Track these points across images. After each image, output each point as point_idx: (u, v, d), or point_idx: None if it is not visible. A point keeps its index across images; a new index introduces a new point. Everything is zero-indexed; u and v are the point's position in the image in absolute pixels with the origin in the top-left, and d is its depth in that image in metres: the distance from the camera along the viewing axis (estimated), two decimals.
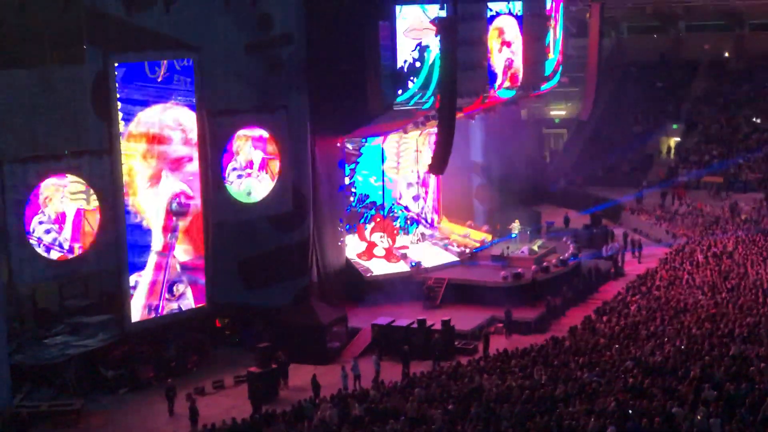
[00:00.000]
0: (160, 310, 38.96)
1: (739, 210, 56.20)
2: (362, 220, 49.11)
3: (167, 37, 39.42)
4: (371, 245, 48.09)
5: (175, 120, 38.80)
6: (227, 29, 41.16)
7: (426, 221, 52.77)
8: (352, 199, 49.35)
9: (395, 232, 48.96)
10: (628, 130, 72.50)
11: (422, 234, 51.65)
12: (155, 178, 38.46)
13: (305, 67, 43.24)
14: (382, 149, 50.51)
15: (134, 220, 37.97)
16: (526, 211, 55.97)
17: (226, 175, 40.93)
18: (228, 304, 41.81)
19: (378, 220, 49.05)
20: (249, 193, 41.66)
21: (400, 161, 51.64)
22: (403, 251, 48.82)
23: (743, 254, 45.59)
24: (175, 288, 39.30)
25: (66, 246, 36.61)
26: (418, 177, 52.56)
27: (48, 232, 36.22)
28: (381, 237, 48.30)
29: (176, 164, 39.06)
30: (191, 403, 34.06)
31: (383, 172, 50.85)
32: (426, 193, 53.14)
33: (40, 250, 35.86)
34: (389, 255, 48.08)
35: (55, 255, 36.36)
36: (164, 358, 39.16)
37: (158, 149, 38.46)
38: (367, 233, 48.30)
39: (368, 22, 43.29)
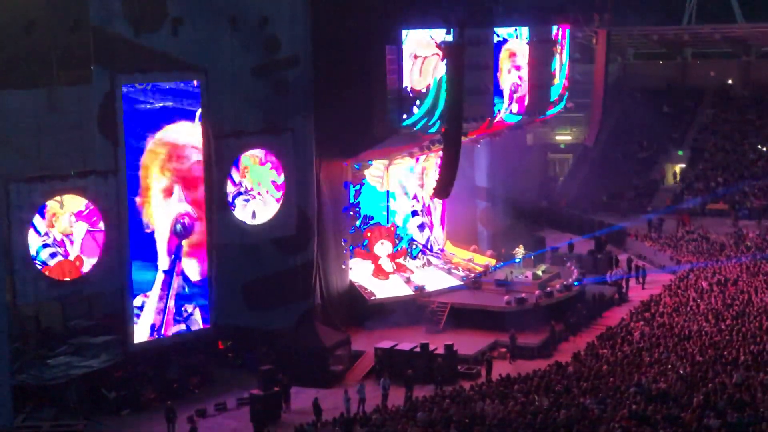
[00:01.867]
0: (163, 332, 38.93)
1: (744, 237, 56.12)
2: (362, 245, 48.99)
3: (174, 58, 39.59)
4: (375, 259, 48.04)
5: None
6: (234, 51, 41.30)
7: (431, 251, 52.48)
8: (356, 219, 49.31)
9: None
10: (634, 156, 72.57)
11: (428, 260, 51.60)
12: (168, 192, 38.65)
13: (311, 90, 43.35)
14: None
15: (146, 231, 38.05)
16: (530, 235, 55.97)
17: (231, 196, 40.99)
18: (231, 326, 41.76)
19: (370, 233, 48.96)
20: (254, 216, 41.67)
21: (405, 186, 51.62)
22: (407, 275, 48.78)
23: (747, 281, 45.51)
24: (183, 309, 39.30)
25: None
26: (423, 204, 52.51)
27: (53, 255, 36.32)
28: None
29: (189, 183, 39.16)
30: (192, 425, 33.96)
31: (388, 192, 50.76)
32: (431, 223, 52.97)
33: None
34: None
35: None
36: (167, 379, 39.10)
37: (174, 165, 38.63)
38: (370, 249, 48.33)
39: (375, 45, 43.48)
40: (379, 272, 48.50)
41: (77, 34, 38.56)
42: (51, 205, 36.22)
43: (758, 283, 44.81)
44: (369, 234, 48.89)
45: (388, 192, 50.33)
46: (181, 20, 39.63)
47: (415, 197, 52.10)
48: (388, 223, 50.42)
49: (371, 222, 50.07)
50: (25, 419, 35.20)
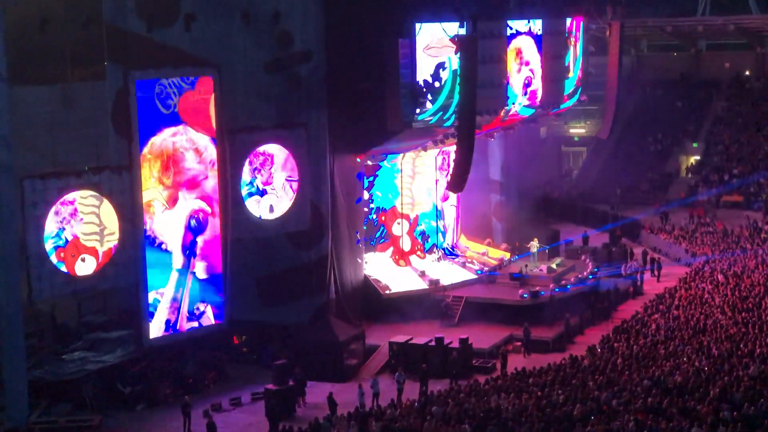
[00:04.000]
0: (178, 327, 39.01)
1: (760, 229, 55.91)
2: (378, 234, 48.94)
3: (187, 54, 39.62)
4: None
5: (188, 140, 38.88)
6: (247, 46, 41.34)
7: (446, 252, 52.30)
8: (368, 211, 49.22)
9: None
10: (648, 148, 72.36)
11: (443, 254, 51.54)
12: (172, 200, 38.55)
13: (324, 84, 43.33)
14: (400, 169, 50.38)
15: (154, 245, 38.05)
16: (544, 229, 55.87)
17: (245, 192, 40.99)
18: (246, 321, 41.81)
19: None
20: (268, 210, 41.68)
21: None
22: (421, 270, 48.78)
23: (763, 273, 45.32)
24: (195, 307, 39.36)
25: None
26: (437, 209, 52.39)
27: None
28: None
29: (192, 183, 39.17)
30: (208, 420, 34.03)
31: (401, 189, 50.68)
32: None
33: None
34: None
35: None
36: (182, 374, 39.20)
37: (173, 170, 38.57)
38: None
39: (388, 39, 43.40)
40: (398, 254, 48.54)
41: (90, 31, 38.64)
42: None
43: None
44: (383, 218, 48.84)
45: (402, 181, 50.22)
46: (194, 16, 39.69)
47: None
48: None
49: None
50: (40, 415, 35.36)
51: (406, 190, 50.50)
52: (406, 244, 49.32)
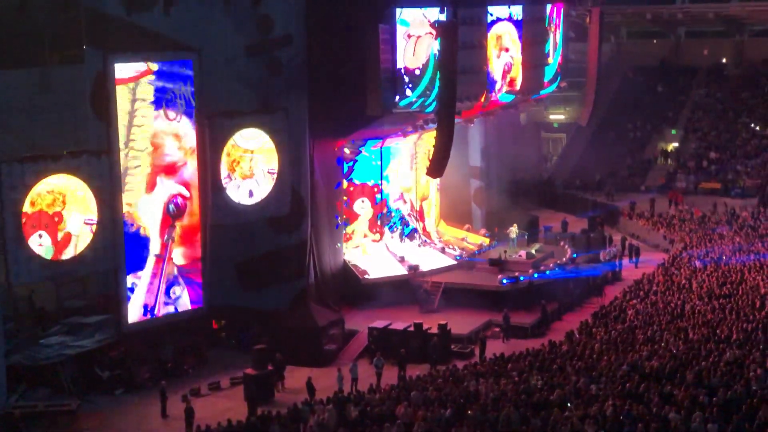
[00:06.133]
0: (156, 312, 38.93)
1: (737, 215, 56.24)
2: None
3: (167, 38, 39.42)
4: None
5: (168, 125, 38.73)
6: (227, 31, 41.17)
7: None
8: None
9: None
10: (627, 135, 72.58)
11: (424, 240, 51.56)
12: (150, 186, 38.41)
13: (305, 69, 43.23)
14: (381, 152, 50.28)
15: (131, 230, 37.89)
16: (524, 215, 56.02)
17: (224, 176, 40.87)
18: (225, 306, 41.78)
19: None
20: (248, 195, 41.58)
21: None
22: (401, 255, 48.82)
23: (740, 260, 45.60)
24: (171, 291, 39.27)
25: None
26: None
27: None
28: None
29: (170, 169, 39.02)
30: (187, 404, 34.02)
31: (381, 173, 50.59)
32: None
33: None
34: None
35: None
36: (160, 359, 39.14)
37: (153, 156, 38.42)
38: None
39: (368, 24, 43.34)
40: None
41: (69, 14, 38.45)
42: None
43: (750, 261, 44.90)
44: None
45: (381, 166, 50.08)
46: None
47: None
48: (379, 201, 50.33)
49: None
50: (18, 399, 35.27)
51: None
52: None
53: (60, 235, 35.86)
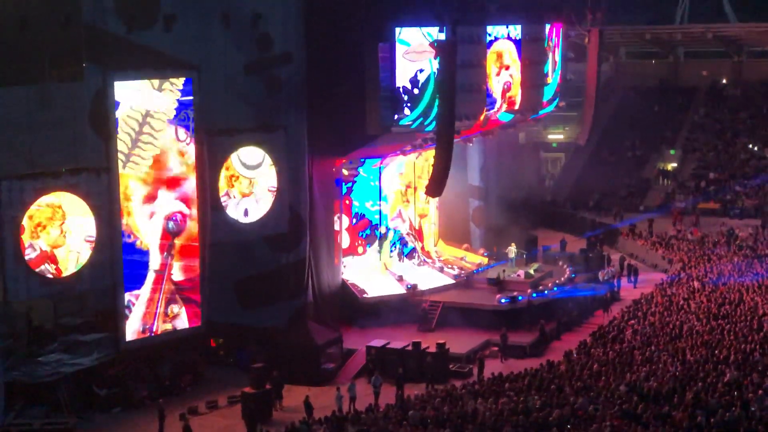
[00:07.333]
0: (155, 330, 38.86)
1: (736, 236, 56.22)
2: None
3: (167, 56, 39.51)
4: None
5: (173, 139, 38.87)
6: (227, 49, 41.26)
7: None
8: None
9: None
10: (626, 154, 72.64)
11: (423, 260, 51.55)
12: (150, 197, 38.47)
13: (304, 88, 43.28)
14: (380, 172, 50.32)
15: (128, 240, 37.89)
16: (522, 234, 56.02)
17: (223, 194, 40.91)
18: (223, 324, 41.72)
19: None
20: (246, 214, 41.60)
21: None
22: (399, 274, 48.80)
23: (738, 280, 45.56)
24: (169, 309, 39.24)
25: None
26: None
27: None
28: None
29: (173, 183, 39.08)
30: (185, 423, 33.93)
31: (380, 193, 50.62)
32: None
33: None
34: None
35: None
36: (158, 377, 39.05)
37: (155, 168, 38.52)
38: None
39: (367, 43, 43.44)
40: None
41: (69, 31, 38.43)
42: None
43: (749, 282, 44.88)
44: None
45: (380, 189, 50.17)
46: (174, 17, 39.61)
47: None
48: (380, 223, 50.37)
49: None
50: (15, 417, 35.15)
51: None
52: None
53: (59, 252, 35.94)
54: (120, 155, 37.83)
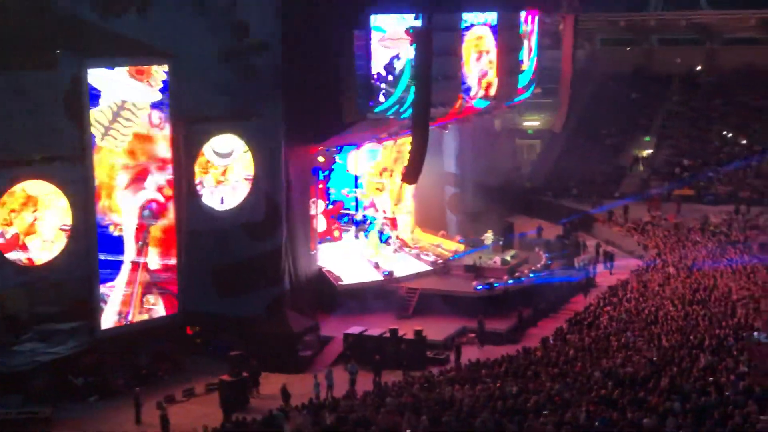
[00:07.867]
0: (130, 318, 38.75)
1: (710, 223, 56.59)
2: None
3: (141, 43, 39.28)
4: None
5: (146, 124, 38.73)
6: (202, 36, 40.98)
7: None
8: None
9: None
10: (601, 142, 72.87)
11: (400, 246, 51.59)
12: (141, 177, 38.50)
13: (280, 75, 43.14)
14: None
15: (102, 224, 37.73)
16: (499, 221, 56.14)
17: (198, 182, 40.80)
18: (200, 312, 41.62)
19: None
20: (222, 202, 41.50)
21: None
22: (375, 260, 48.83)
23: (712, 266, 45.89)
24: (145, 299, 39.14)
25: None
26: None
27: None
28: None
29: (161, 164, 39.02)
30: (162, 411, 33.87)
31: (356, 181, 50.64)
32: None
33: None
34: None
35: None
36: (135, 366, 38.95)
37: (145, 147, 38.44)
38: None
39: (343, 30, 43.34)
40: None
41: (43, 19, 38.15)
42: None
43: (722, 267, 45.21)
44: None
45: (356, 178, 50.18)
46: (148, 4, 39.34)
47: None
48: (356, 210, 50.39)
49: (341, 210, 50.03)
50: None
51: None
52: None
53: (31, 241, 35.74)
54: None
